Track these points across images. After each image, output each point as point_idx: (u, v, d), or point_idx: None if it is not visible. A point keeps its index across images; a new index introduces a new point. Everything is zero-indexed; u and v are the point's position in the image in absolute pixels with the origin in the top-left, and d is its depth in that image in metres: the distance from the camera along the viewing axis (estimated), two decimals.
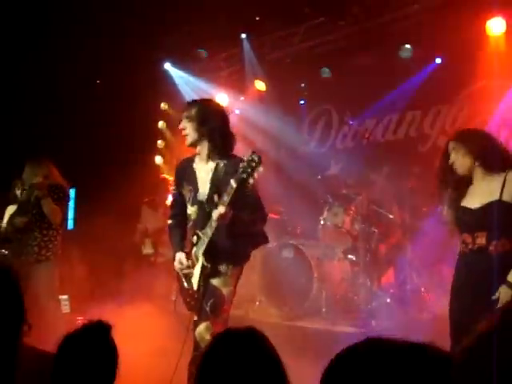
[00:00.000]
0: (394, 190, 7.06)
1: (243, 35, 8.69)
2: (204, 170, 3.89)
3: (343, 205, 6.87)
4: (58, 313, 5.59)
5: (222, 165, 3.82)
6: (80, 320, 2.06)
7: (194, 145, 3.90)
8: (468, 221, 3.60)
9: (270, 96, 9.07)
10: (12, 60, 8.07)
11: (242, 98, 9.47)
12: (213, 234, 3.68)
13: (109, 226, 7.81)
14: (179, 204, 4.04)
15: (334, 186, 7.26)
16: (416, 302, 6.30)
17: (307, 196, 7.66)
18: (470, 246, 3.57)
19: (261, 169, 3.41)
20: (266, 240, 4.14)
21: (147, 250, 8.02)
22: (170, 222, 4.12)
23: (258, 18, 8.46)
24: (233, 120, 9.35)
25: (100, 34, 7.81)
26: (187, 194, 3.95)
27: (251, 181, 3.41)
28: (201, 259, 3.78)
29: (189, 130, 3.86)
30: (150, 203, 8.20)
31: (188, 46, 8.98)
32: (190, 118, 3.85)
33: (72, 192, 9.27)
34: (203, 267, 3.77)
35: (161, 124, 10.41)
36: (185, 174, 4.00)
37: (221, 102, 9.11)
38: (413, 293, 6.36)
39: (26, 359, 2.05)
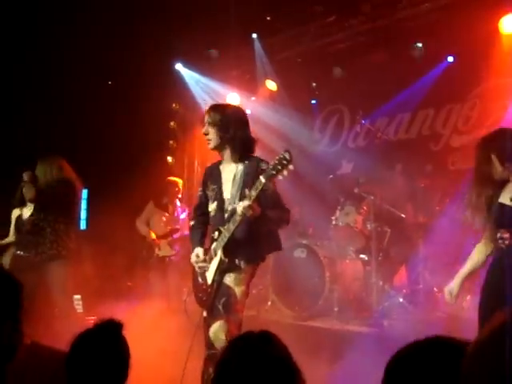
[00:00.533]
0: (407, 188, 7.03)
1: (254, 35, 8.68)
2: (228, 171, 4.02)
3: (355, 204, 6.85)
4: (72, 312, 5.61)
5: (243, 166, 3.94)
6: (92, 320, 2.06)
7: (216, 149, 4.03)
8: (507, 217, 3.58)
9: (282, 96, 9.06)
10: (25, 61, 8.12)
11: (254, 98, 9.46)
12: (235, 229, 3.77)
13: (122, 226, 7.84)
14: (203, 204, 4.16)
15: (346, 185, 7.23)
16: (429, 301, 6.27)
17: (319, 195, 7.65)
18: (507, 242, 3.56)
19: (291, 166, 3.51)
20: (279, 247, 4.21)
21: (165, 252, 7.93)
22: (192, 222, 4.25)
23: (268, 18, 8.45)
24: None
25: (112, 35, 7.84)
26: (210, 193, 4.07)
27: (280, 177, 3.53)
28: (219, 253, 3.85)
29: (211, 135, 3.98)
30: (157, 202, 8.11)
31: (199, 47, 8.99)
32: (213, 124, 3.96)
33: (84, 193, 9.34)
34: (220, 261, 3.84)
35: (172, 124, 10.42)
36: (211, 175, 4.14)
37: (238, 104, 9.18)
38: (425, 292, 6.33)
39: (41, 358, 2.07)
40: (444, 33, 7.27)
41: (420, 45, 7.54)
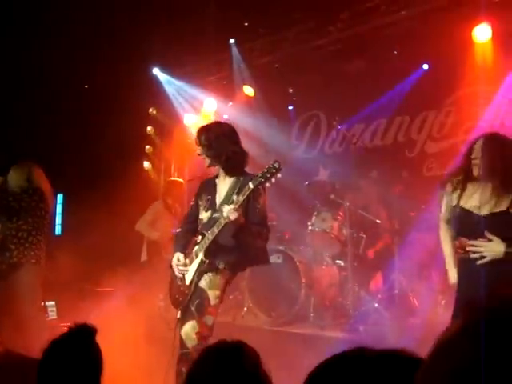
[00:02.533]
0: (382, 195, 7.09)
1: (232, 40, 8.69)
2: (223, 184, 4.20)
3: (331, 210, 6.88)
4: (41, 319, 5.54)
5: (238, 181, 4.11)
6: (66, 326, 2.03)
7: (211, 166, 4.26)
8: (470, 226, 3.61)
9: (259, 101, 9.07)
10: None
11: (231, 104, 9.47)
12: (218, 234, 3.90)
13: (98, 230, 7.77)
14: (193, 214, 4.31)
15: (322, 191, 7.26)
16: (404, 306, 6.30)
17: (295, 201, 7.66)
18: (466, 250, 3.60)
19: (279, 175, 3.75)
20: (266, 261, 4.37)
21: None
22: (178, 230, 4.47)
23: (246, 24, 8.47)
24: None
25: (89, 38, 7.80)
26: (204, 203, 4.22)
27: (268, 184, 3.76)
28: (200, 255, 3.97)
29: (203, 155, 4.20)
30: (165, 203, 7.92)
31: (176, 52, 8.97)
32: (201, 145, 4.19)
33: (60, 197, 9.24)
34: (201, 262, 3.96)
35: (149, 129, 10.37)
36: (207, 186, 4.31)
37: (203, 107, 9.15)
38: (401, 298, 6.36)
39: (13, 365, 2.04)
40: (419, 41, 7.36)
41: (396, 52, 7.63)
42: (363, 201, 6.79)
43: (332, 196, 6.97)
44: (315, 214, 6.90)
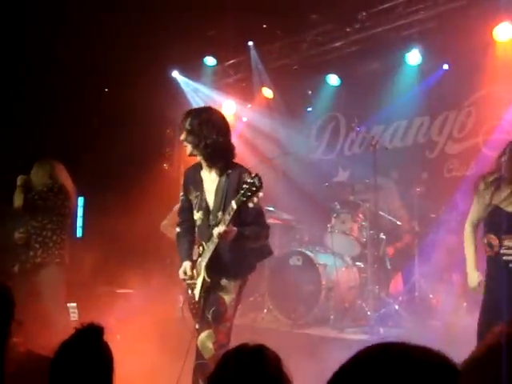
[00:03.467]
0: (403, 196, 7.05)
1: (250, 43, 8.71)
2: (209, 180, 3.93)
3: (351, 212, 6.86)
4: (64, 319, 5.53)
5: (224, 176, 3.84)
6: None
7: (192, 155, 3.96)
8: (499, 222, 3.58)
9: (278, 103, 9.08)
10: (21, 70, 8.13)
11: (250, 106, 9.48)
12: (215, 249, 3.71)
13: (118, 233, 7.82)
14: (186, 210, 4.08)
15: (342, 192, 7.24)
16: (424, 309, 6.26)
17: (315, 203, 7.65)
18: (496, 249, 3.55)
19: (261, 194, 3.44)
20: (270, 253, 4.19)
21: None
22: (177, 229, 4.14)
23: (265, 26, 8.48)
24: (240, 127, 9.42)
25: (108, 42, 7.86)
26: (194, 200, 3.98)
27: (251, 204, 3.46)
28: (203, 272, 3.80)
29: (186, 142, 3.90)
30: None
31: (195, 54, 9.01)
32: (185, 130, 3.89)
33: (81, 200, 9.32)
34: (204, 281, 3.80)
35: (168, 132, 10.43)
36: (193, 180, 4.03)
37: (222, 109, 9.15)
38: (421, 300, 6.33)
39: (35, 366, 2.06)
40: (439, 41, 7.31)
41: (416, 53, 7.58)
42: (383, 202, 6.75)
43: (351, 197, 6.95)
44: (335, 215, 6.88)
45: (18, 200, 5.41)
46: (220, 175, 3.87)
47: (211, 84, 9.44)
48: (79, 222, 9.53)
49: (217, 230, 3.60)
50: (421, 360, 1.05)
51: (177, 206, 7.92)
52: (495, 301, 3.51)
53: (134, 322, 5.81)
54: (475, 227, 3.87)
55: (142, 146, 9.37)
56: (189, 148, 3.90)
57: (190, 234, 4.04)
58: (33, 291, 5.27)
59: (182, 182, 4.29)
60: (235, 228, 3.63)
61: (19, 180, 5.47)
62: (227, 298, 3.80)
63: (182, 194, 4.13)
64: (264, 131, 8.87)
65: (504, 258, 3.55)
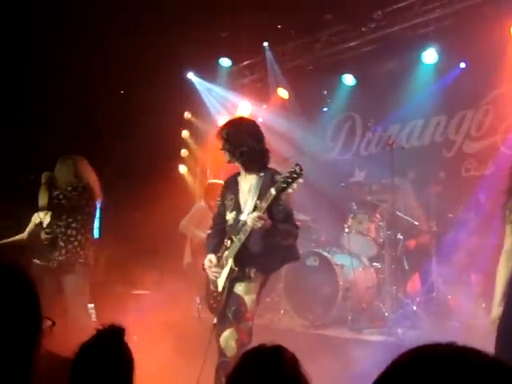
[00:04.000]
0: (420, 196, 7.00)
1: (265, 43, 8.71)
2: (245, 182, 4.16)
3: (368, 212, 6.82)
4: (86, 319, 5.52)
5: (259, 178, 4.05)
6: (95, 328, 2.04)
7: (230, 162, 4.22)
8: None
9: (293, 104, 9.07)
10: (37, 71, 8.20)
11: (265, 106, 9.48)
12: (246, 239, 3.85)
13: (134, 234, 7.86)
14: (220, 215, 4.29)
15: (359, 193, 7.20)
16: (443, 309, 6.21)
17: (331, 203, 7.63)
18: None
19: (301, 180, 3.64)
20: (297, 257, 4.30)
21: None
22: (208, 231, 4.40)
23: (279, 26, 8.48)
24: None
25: (124, 44, 7.90)
26: (228, 203, 4.19)
27: (290, 190, 3.65)
28: (230, 262, 3.93)
29: (223, 149, 4.18)
30: (209, 205, 7.85)
31: (211, 55, 9.03)
32: (222, 139, 4.16)
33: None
34: (231, 270, 3.92)
35: (184, 133, 10.46)
36: (230, 186, 4.27)
37: (238, 110, 9.17)
38: (439, 300, 6.27)
39: (55, 367, 2.06)
40: (456, 39, 7.25)
41: (432, 51, 7.52)
42: (400, 202, 6.70)
43: (368, 198, 6.91)
44: (351, 216, 6.85)
45: (42, 199, 5.37)
46: (254, 177, 4.09)
47: (226, 85, 9.46)
48: (96, 223, 9.58)
49: (251, 216, 3.74)
50: (475, 362, 1.01)
51: (197, 206, 7.97)
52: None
53: (151, 322, 5.83)
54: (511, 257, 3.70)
55: (158, 147, 9.41)
56: (227, 156, 4.17)
57: (220, 235, 4.22)
58: (57, 290, 5.29)
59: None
60: (269, 221, 3.77)
61: (43, 177, 5.44)
62: (247, 298, 3.89)
63: (219, 200, 4.36)
64: (280, 132, 8.84)
65: None
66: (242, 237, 3.85)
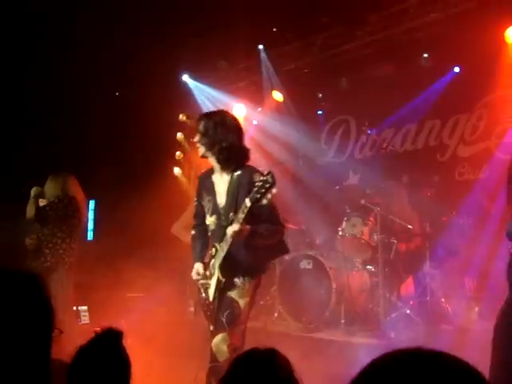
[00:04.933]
0: (413, 199, 7.01)
1: (260, 46, 8.71)
2: (221, 182, 3.97)
3: (362, 215, 6.83)
4: (72, 324, 5.64)
5: (235, 177, 3.88)
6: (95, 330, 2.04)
7: (204, 157, 4.01)
8: None
9: (288, 106, 9.08)
10: (33, 74, 8.18)
11: (260, 109, 9.49)
12: (229, 248, 3.73)
13: (129, 236, 7.84)
14: (200, 214, 4.13)
15: (353, 196, 7.22)
16: (436, 313, 6.23)
17: (325, 206, 7.64)
18: None
19: (274, 190, 3.44)
20: (285, 250, 4.21)
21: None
22: (192, 232, 4.20)
23: (275, 29, 8.49)
24: (251, 131, 9.42)
25: (119, 46, 7.89)
26: (207, 205, 4.03)
27: (265, 201, 3.46)
28: (217, 272, 3.83)
29: (198, 143, 3.96)
30: None
31: (206, 58, 9.03)
32: (198, 132, 3.95)
33: (92, 203, 9.36)
34: (218, 281, 3.83)
35: (179, 135, 10.45)
36: (205, 184, 4.08)
37: (235, 113, 9.16)
38: (432, 304, 6.29)
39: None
40: (450, 43, 7.28)
41: (426, 55, 7.55)
42: (394, 206, 6.73)
43: (362, 201, 6.92)
44: (345, 219, 6.86)
45: (30, 211, 5.68)
46: (231, 176, 3.91)
47: (222, 87, 9.46)
48: (90, 225, 9.57)
49: (231, 229, 3.63)
50: (452, 367, 1.02)
51: (188, 209, 7.95)
52: None
53: (145, 325, 5.82)
54: None
55: (153, 149, 9.40)
56: (201, 149, 3.96)
57: (204, 237, 4.09)
58: None
59: (194, 186, 4.33)
60: (248, 226, 3.65)
61: (33, 191, 5.74)
62: (241, 302, 3.82)
63: (195, 199, 4.19)
64: (274, 134, 8.86)
65: None
66: (225, 247, 3.74)
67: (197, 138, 3.96)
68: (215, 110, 4.42)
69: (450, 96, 7.56)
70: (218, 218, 3.94)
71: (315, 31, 8.28)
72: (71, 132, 8.69)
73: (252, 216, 3.63)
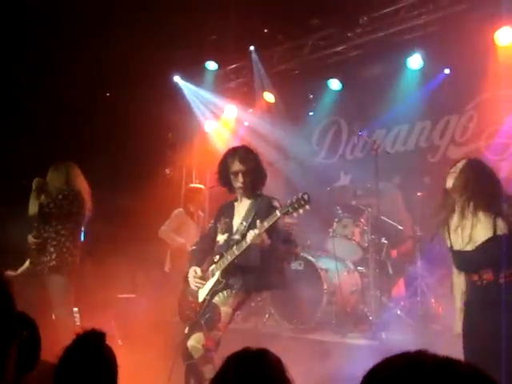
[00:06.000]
0: (404, 200, 7.04)
1: (251, 47, 8.72)
2: (241, 206, 4.24)
3: (353, 216, 6.85)
4: (70, 325, 5.52)
5: (256, 202, 4.15)
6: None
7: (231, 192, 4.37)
8: (468, 262, 3.55)
9: (279, 108, 9.08)
10: (23, 73, 8.14)
11: (251, 110, 9.49)
12: (241, 254, 3.87)
13: (120, 237, 7.81)
14: (209, 236, 4.35)
15: (344, 197, 7.24)
16: (426, 313, 6.25)
17: (317, 207, 7.60)
18: (478, 284, 3.52)
19: (307, 207, 3.73)
20: (282, 286, 4.50)
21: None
22: (194, 247, 4.50)
23: (266, 31, 8.49)
24: (242, 132, 9.42)
25: (110, 46, 7.87)
26: (222, 226, 4.23)
27: (295, 215, 3.74)
28: (217, 274, 3.96)
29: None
30: (187, 210, 7.85)
31: (197, 59, 9.02)
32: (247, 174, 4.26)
33: None
34: (217, 281, 3.96)
35: (170, 136, 10.43)
36: (225, 209, 4.35)
37: (224, 114, 9.16)
38: (423, 305, 6.31)
39: (39, 374, 2.04)
40: (441, 45, 7.31)
41: (417, 57, 7.58)
42: (385, 207, 6.74)
43: (353, 202, 6.94)
44: (336, 220, 6.87)
45: (33, 206, 5.43)
46: (252, 201, 4.19)
47: (212, 88, 9.45)
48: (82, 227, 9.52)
49: (252, 233, 3.76)
50: (459, 371, 1.02)
51: (176, 212, 7.95)
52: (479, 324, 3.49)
53: (136, 326, 5.80)
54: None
55: (144, 150, 9.37)
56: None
57: (204, 253, 4.28)
58: (43, 293, 5.27)
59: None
60: (269, 240, 3.82)
61: (35, 183, 5.47)
62: (223, 310, 3.92)
63: (212, 221, 4.43)
64: (265, 135, 8.87)
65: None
66: (236, 252, 3.87)
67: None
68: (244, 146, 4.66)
69: (441, 97, 7.60)
70: (230, 235, 4.11)
71: (306, 33, 8.30)
72: (61, 132, 8.64)
73: (270, 237, 3.84)
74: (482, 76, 6.97)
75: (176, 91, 9.61)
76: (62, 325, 5.16)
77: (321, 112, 9.20)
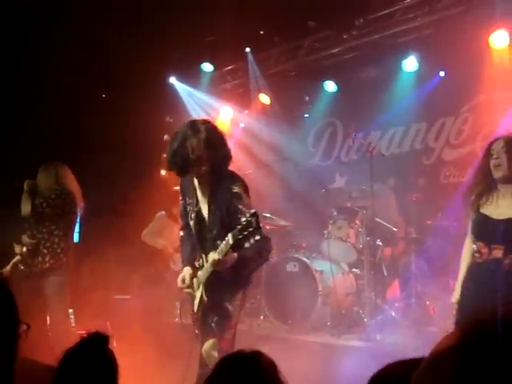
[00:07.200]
0: (399, 202, 7.05)
1: (247, 49, 8.73)
2: (202, 190, 3.86)
3: (348, 218, 6.86)
4: (66, 325, 5.52)
5: (217, 187, 3.76)
6: (83, 334, 2.02)
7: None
8: (492, 230, 3.52)
9: (275, 109, 9.09)
10: (19, 74, 8.12)
11: (247, 112, 9.50)
12: (214, 271, 3.63)
13: (114, 239, 7.79)
14: (187, 214, 4.00)
15: (339, 199, 7.25)
16: (421, 315, 6.26)
17: (312, 209, 7.65)
18: (484, 257, 3.52)
19: (258, 237, 3.19)
20: (266, 259, 4.12)
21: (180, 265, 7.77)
22: (181, 233, 4.11)
23: (262, 32, 8.50)
24: (237, 133, 9.43)
25: (106, 48, 7.86)
26: (189, 207, 3.94)
27: (247, 245, 3.25)
28: (201, 288, 3.77)
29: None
30: (169, 213, 7.85)
31: (193, 60, 9.02)
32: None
33: None
34: (201, 298, 3.77)
35: (166, 137, 10.41)
36: (188, 187, 3.97)
37: (220, 115, 9.15)
38: (418, 306, 6.32)
39: (25, 372, 2.03)
40: (436, 48, 7.34)
41: (412, 59, 7.60)
42: (380, 209, 6.75)
43: (348, 204, 6.95)
44: (331, 222, 6.88)
45: (25, 207, 5.39)
46: (211, 185, 3.79)
47: (208, 90, 9.45)
48: (76, 227, 9.49)
49: (212, 257, 3.52)
50: None
51: (158, 215, 7.96)
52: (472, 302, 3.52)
53: (132, 327, 5.80)
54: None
55: (139, 152, 9.36)
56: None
57: (192, 238, 3.98)
58: (38, 296, 5.26)
59: (170, 190, 4.27)
60: (235, 254, 3.49)
61: (26, 185, 5.45)
62: (231, 307, 3.74)
63: (180, 198, 4.07)
64: (261, 137, 8.88)
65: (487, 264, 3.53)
66: (209, 269, 3.64)
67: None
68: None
69: (436, 99, 7.62)
70: (202, 227, 3.84)
71: (302, 34, 8.31)
72: (56, 133, 8.62)
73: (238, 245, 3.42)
74: (477, 78, 6.99)
75: (172, 92, 9.61)
76: (57, 326, 5.16)
77: (316, 114, 9.22)
